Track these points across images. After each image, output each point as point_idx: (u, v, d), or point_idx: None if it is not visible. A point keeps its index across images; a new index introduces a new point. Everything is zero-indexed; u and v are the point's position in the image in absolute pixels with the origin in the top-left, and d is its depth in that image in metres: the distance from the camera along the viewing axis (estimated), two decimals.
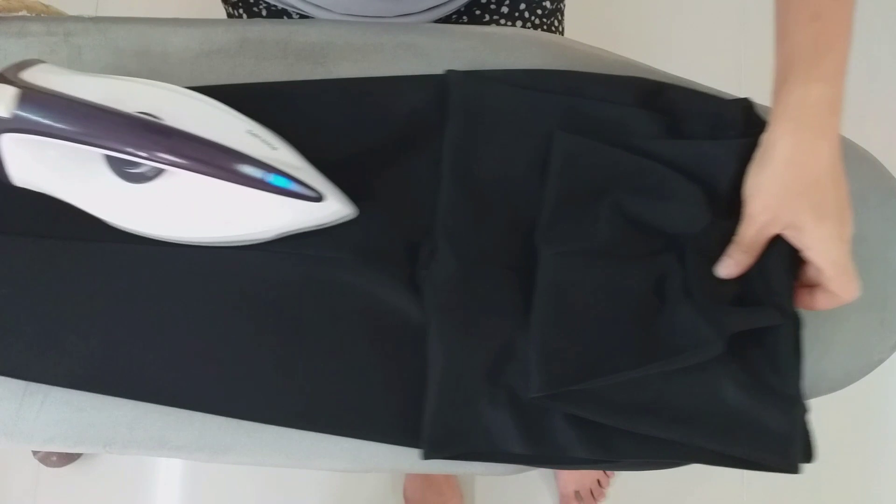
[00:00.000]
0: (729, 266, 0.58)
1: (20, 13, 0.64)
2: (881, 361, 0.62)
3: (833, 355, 0.62)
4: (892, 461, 1.44)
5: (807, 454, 0.58)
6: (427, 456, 0.57)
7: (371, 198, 0.60)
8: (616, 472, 1.41)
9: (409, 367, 0.58)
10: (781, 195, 0.55)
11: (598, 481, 1.38)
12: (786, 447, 0.56)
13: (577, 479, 1.38)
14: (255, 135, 0.55)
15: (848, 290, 0.56)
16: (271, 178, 0.53)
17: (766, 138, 0.56)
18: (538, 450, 0.57)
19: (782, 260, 0.58)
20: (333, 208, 0.57)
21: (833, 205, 0.55)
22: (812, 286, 0.58)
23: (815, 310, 0.58)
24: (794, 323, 0.59)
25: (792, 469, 0.57)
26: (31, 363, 0.59)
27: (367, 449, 0.58)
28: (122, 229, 0.58)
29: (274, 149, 0.55)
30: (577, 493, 1.37)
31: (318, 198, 0.55)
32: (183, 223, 0.57)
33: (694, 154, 0.60)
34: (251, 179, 0.52)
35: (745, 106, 0.61)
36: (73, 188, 0.55)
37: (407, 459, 0.59)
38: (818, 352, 0.61)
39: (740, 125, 0.60)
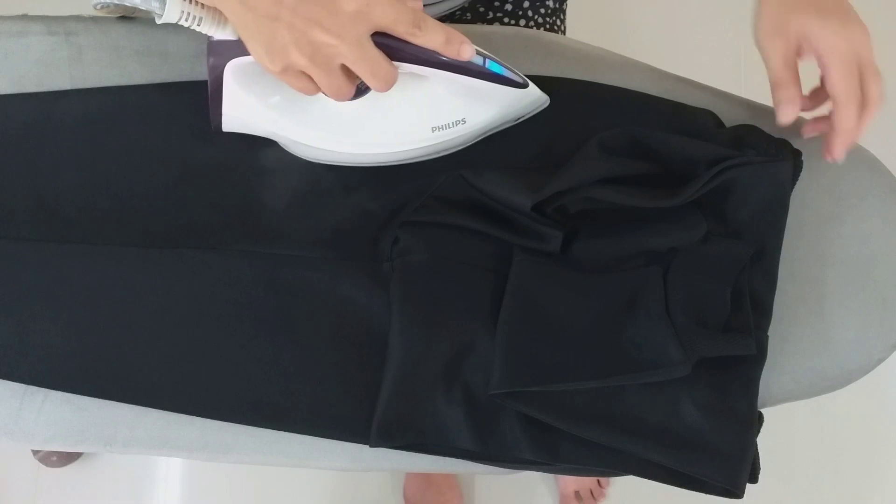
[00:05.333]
0: (785, 111, 0.58)
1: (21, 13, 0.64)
2: (881, 361, 0.62)
3: (833, 355, 0.62)
4: (892, 461, 1.44)
5: (753, 475, 0.58)
6: (375, 443, 0.57)
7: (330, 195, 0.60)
8: None
9: (370, 365, 0.58)
10: (781, 16, 0.57)
11: (598, 481, 1.38)
12: (736, 470, 0.56)
13: (577, 478, 1.38)
14: None
15: (851, 91, 0.56)
16: (489, 65, 0.54)
17: None
18: (486, 448, 0.57)
19: (769, 294, 0.59)
20: (536, 94, 0.58)
21: (832, 4, 0.57)
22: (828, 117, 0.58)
23: (838, 135, 0.58)
24: (764, 352, 0.59)
25: (737, 492, 0.56)
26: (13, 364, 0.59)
27: (367, 449, 0.58)
28: (337, 158, 0.58)
29: None
30: (576, 493, 1.37)
31: (524, 84, 0.57)
32: (398, 134, 0.58)
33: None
34: (472, 67, 0.53)
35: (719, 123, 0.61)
36: (289, 119, 0.55)
37: (407, 459, 0.59)
38: (818, 351, 0.62)
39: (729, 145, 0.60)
